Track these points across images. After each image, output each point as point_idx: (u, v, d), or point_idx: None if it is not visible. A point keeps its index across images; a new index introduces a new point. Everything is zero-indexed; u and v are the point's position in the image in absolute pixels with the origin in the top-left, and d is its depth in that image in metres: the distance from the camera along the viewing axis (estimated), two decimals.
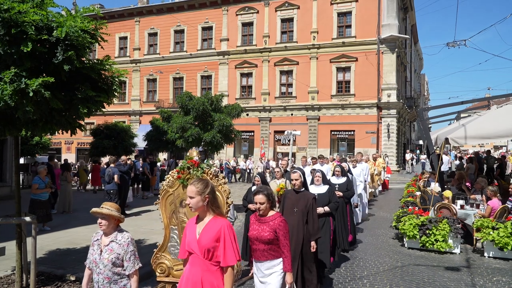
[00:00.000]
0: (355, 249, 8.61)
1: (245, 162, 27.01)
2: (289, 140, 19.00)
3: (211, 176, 4.57)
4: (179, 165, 4.86)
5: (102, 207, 3.70)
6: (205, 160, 4.66)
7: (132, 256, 3.72)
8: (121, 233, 3.77)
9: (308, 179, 11.30)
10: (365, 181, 12.73)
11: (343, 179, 8.48)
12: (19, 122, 5.60)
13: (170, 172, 4.85)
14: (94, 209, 3.72)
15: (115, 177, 12.26)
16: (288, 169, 9.90)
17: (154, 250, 4.90)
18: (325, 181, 6.86)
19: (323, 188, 6.71)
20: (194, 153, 4.80)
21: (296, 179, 5.47)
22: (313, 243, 5.17)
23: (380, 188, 18.33)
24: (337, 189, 8.08)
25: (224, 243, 3.09)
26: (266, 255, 4.05)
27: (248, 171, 26.34)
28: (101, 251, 3.71)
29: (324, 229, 6.40)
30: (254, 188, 6.67)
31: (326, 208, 6.46)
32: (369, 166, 14.27)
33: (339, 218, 7.74)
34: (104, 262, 3.65)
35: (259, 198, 4.05)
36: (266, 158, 27.53)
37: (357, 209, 10.90)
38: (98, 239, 3.80)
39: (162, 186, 4.80)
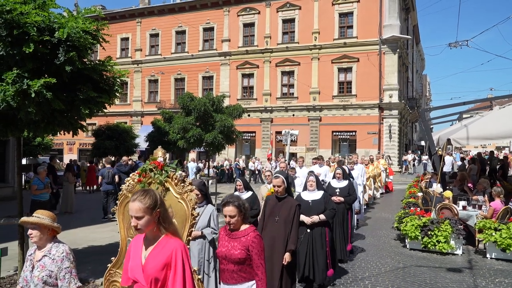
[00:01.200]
0: (356, 250, 8.58)
1: (254, 163, 26.87)
2: (290, 140, 18.97)
3: (176, 181, 3.84)
4: (141, 166, 4.26)
5: (32, 215, 3.20)
6: (172, 162, 4.14)
7: (67, 273, 3.13)
8: (56, 246, 3.21)
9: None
10: (363, 182, 11.88)
11: (344, 183, 7.74)
12: (21, 123, 5.61)
13: (131, 175, 4.25)
14: (23, 219, 3.27)
15: (116, 177, 12.27)
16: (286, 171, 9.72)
17: (108, 265, 4.07)
18: (319, 186, 6.10)
19: (318, 194, 5.94)
20: (159, 152, 4.12)
21: (278, 186, 4.87)
22: (286, 255, 4.60)
23: (381, 191, 17.83)
24: (338, 193, 7.52)
25: (175, 272, 2.46)
26: (236, 277, 3.40)
27: (257, 172, 26.28)
28: (32, 267, 3.19)
29: (319, 242, 5.76)
30: (236, 194, 6.13)
31: (322, 217, 5.73)
32: (364, 167, 13.61)
33: (338, 226, 7.22)
34: (35, 280, 3.11)
35: (229, 210, 3.44)
36: (275, 158, 27.40)
37: (357, 215, 10.17)
38: (31, 253, 3.28)
39: (122, 191, 4.13)
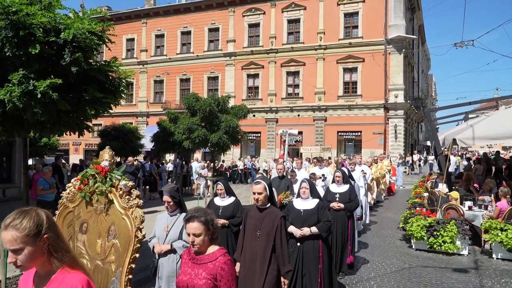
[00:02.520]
0: (361, 251, 8.57)
1: (268, 163, 26.55)
2: (294, 140, 18.82)
3: (121, 192, 3.16)
4: (83, 171, 3.59)
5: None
6: (119, 168, 3.38)
7: None
8: None
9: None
10: (365, 184, 11.23)
11: (345, 187, 6.91)
12: (27, 124, 5.66)
13: (72, 180, 3.68)
14: None
15: None
16: (285, 174, 8.94)
17: None
18: (314, 193, 5.32)
19: (311, 203, 5.18)
20: (105, 155, 3.30)
21: (259, 193, 4.12)
22: (283, 280, 4.02)
23: (384, 194, 17.21)
24: (337, 199, 6.77)
25: None
26: None
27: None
28: None
29: (311, 257, 4.97)
30: (216, 199, 5.79)
31: (314, 229, 4.95)
32: (368, 168, 12.98)
33: (339, 236, 6.58)
34: None
35: (193, 227, 2.72)
36: (290, 159, 27.13)
37: (359, 222, 9.29)
38: None
39: (62, 199, 3.56)
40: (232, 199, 5.72)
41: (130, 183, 3.24)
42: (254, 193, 4.16)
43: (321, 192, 7.18)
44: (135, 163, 14.56)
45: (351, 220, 6.88)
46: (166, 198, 4.21)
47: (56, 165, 14.44)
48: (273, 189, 6.96)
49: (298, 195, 5.36)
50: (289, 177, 8.76)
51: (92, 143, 34.15)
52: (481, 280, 6.73)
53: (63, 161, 19.73)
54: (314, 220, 5.02)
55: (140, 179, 14.58)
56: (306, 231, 4.95)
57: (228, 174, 25.97)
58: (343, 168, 8.08)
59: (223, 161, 29.04)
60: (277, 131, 31.09)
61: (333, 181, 7.21)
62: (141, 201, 3.23)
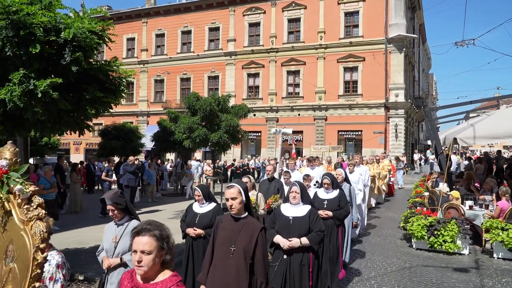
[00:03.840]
0: (362, 250, 8.56)
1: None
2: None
3: (20, 200, 2.40)
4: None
5: None
6: (21, 167, 2.34)
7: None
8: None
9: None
10: (364, 186, 10.54)
11: (334, 193, 6.16)
12: (28, 123, 5.66)
13: None
14: None
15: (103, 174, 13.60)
16: (275, 175, 8.42)
17: None
18: (306, 198, 4.67)
19: (302, 209, 4.53)
20: (5, 152, 2.52)
21: (232, 198, 3.40)
22: None
23: (384, 195, 16.37)
24: (325, 206, 6.01)
25: None
26: None
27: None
28: None
29: (299, 273, 4.32)
30: (195, 205, 5.18)
31: (304, 240, 4.30)
32: (369, 168, 12.26)
33: (327, 247, 5.59)
34: None
35: (142, 242, 2.16)
36: (300, 158, 26.90)
37: (355, 229, 8.61)
38: None
39: None
40: (212, 205, 5.08)
41: (31, 188, 2.41)
42: (227, 199, 3.42)
43: (325, 196, 6.45)
44: (136, 162, 14.54)
45: (341, 229, 6.19)
46: (109, 206, 3.82)
47: (58, 165, 14.45)
48: (260, 194, 6.65)
49: (287, 200, 4.74)
50: (282, 179, 8.21)
51: (93, 143, 34.15)
52: (482, 279, 6.72)
53: (65, 160, 19.74)
54: (305, 229, 4.38)
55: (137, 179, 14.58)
56: (295, 242, 4.28)
57: (239, 173, 25.84)
58: (340, 170, 7.37)
59: (234, 160, 29.01)
60: (273, 130, 31.06)
61: (321, 186, 6.42)
62: (43, 211, 2.38)
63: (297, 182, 4.82)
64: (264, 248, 3.40)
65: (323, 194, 6.26)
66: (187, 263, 5.00)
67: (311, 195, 6.07)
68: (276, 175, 8.94)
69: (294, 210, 4.54)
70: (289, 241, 4.30)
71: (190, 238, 5.04)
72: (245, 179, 6.31)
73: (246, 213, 3.50)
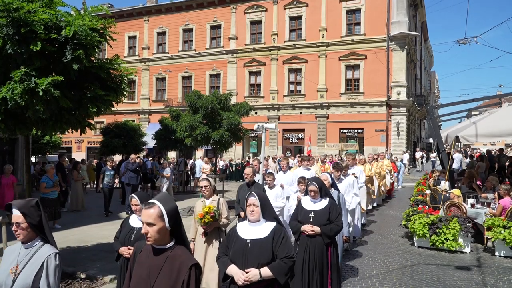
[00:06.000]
0: (363, 248, 8.56)
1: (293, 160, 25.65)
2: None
3: None
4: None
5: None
6: None
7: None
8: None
9: (293, 188, 8.10)
10: (361, 187, 9.70)
11: (322, 203, 4.86)
12: (29, 121, 5.66)
13: None
14: None
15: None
16: (259, 179, 7.42)
17: None
18: (268, 213, 3.46)
19: (264, 229, 3.37)
20: None
21: (148, 223, 2.42)
22: None
23: (383, 196, 15.41)
24: (311, 220, 4.75)
25: None
26: None
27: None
28: None
29: None
30: (132, 217, 4.27)
31: (265, 272, 3.17)
32: (365, 168, 11.44)
33: (312, 272, 4.60)
34: None
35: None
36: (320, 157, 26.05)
37: (345, 244, 7.27)
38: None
39: None
40: None
41: None
42: (142, 223, 2.47)
43: (311, 207, 4.91)
44: (137, 160, 14.55)
45: (331, 248, 4.83)
46: (15, 217, 2.68)
47: (59, 163, 14.47)
48: (222, 200, 5.39)
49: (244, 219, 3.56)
50: (266, 181, 7.05)
51: (94, 141, 34.24)
52: (484, 277, 6.71)
53: (66, 158, 19.75)
54: (267, 256, 3.22)
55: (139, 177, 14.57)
56: (252, 275, 3.13)
57: (239, 169, 25.64)
58: (325, 175, 5.95)
59: (249, 157, 28.89)
60: (279, 128, 31.13)
61: (306, 194, 5.05)
62: None
63: (255, 192, 3.51)
64: None
65: (308, 204, 4.92)
66: None
67: (306, 203, 4.98)
68: (260, 178, 8.12)
69: (253, 230, 3.36)
70: (245, 273, 3.16)
71: (124, 259, 4.00)
72: (204, 183, 5.45)
73: (173, 242, 2.52)
